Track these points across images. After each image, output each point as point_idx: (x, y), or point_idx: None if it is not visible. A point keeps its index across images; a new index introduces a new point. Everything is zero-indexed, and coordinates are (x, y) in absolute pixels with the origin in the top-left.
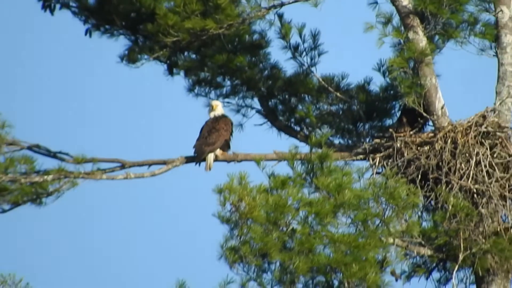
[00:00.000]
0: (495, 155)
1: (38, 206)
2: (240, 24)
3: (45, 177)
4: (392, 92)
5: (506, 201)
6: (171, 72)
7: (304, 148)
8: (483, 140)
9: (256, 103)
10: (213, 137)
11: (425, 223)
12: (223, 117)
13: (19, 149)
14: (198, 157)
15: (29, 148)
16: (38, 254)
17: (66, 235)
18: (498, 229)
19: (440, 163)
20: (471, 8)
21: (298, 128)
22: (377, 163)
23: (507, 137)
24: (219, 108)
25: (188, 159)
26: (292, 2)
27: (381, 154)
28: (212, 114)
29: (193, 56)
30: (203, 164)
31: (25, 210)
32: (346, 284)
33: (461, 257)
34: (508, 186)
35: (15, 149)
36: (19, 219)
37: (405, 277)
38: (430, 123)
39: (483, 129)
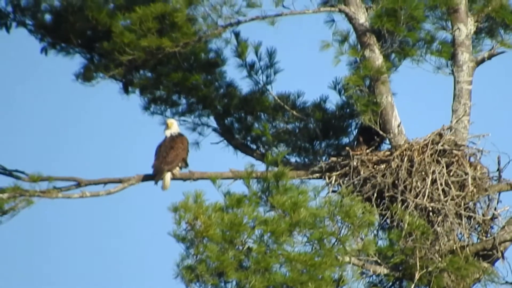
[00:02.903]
0: (451, 174)
1: None
2: (196, 42)
3: (1, 195)
4: (348, 110)
5: (461, 220)
6: (126, 91)
7: (260, 167)
8: (439, 158)
9: (212, 121)
10: (171, 156)
11: (381, 241)
12: (180, 135)
13: None
14: (157, 177)
15: None
16: None
17: (21, 254)
18: (454, 248)
19: (396, 181)
20: (428, 26)
21: (254, 147)
22: (333, 182)
23: (464, 155)
24: (175, 126)
25: (146, 178)
26: (249, 21)
27: (337, 172)
28: (168, 133)
29: (149, 74)
30: (159, 182)
31: None
32: None
33: (417, 276)
34: (464, 204)
35: None
36: None
37: None
38: (387, 141)
39: (439, 147)
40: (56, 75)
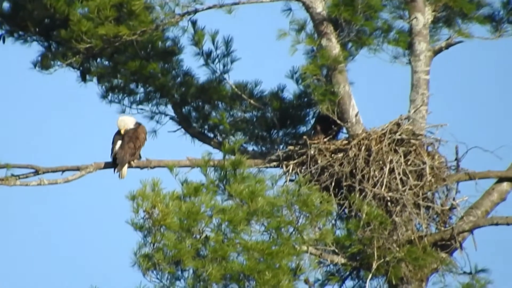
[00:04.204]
0: (409, 163)
1: None
2: (153, 31)
3: None
4: (306, 99)
5: (420, 210)
6: (84, 79)
7: (217, 155)
8: (397, 148)
9: (169, 110)
10: (136, 146)
11: (339, 231)
12: (140, 125)
13: None
14: (120, 166)
15: None
16: None
17: None
18: (412, 238)
19: (354, 171)
20: (386, 15)
21: (211, 135)
22: (290, 170)
23: (421, 144)
24: (129, 122)
25: (105, 166)
26: (206, 9)
27: (295, 161)
28: (123, 131)
29: (106, 62)
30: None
31: None
32: None
33: (374, 265)
34: (422, 194)
35: None
36: None
37: (319, 285)
38: (344, 130)
39: (397, 136)
40: (13, 63)
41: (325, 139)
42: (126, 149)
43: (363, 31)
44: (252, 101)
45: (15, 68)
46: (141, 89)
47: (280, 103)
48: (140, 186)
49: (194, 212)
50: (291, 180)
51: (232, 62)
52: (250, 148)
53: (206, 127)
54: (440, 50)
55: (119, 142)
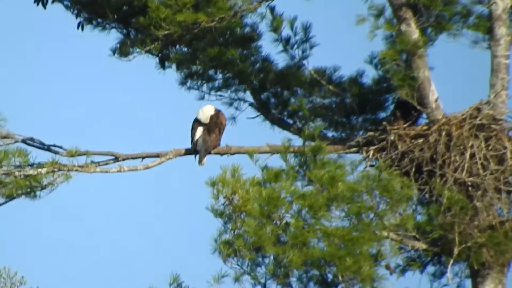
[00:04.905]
0: (489, 148)
1: (32, 199)
2: (231, 17)
3: (39, 170)
4: (385, 84)
5: (501, 194)
6: (162, 65)
7: (297, 141)
8: (477, 133)
9: (248, 96)
10: (221, 133)
11: (420, 216)
12: (219, 111)
13: (13, 142)
14: (205, 152)
15: (23, 141)
16: (33, 247)
17: (60, 229)
18: (493, 223)
19: (434, 156)
20: (465, 0)
21: (291, 121)
22: (370, 156)
23: (502, 129)
24: (209, 112)
25: (186, 153)
26: None
27: (375, 147)
28: (209, 117)
29: (185, 49)
30: (196, 157)
31: (20, 204)
32: (340, 278)
33: (456, 251)
34: (503, 179)
35: (9, 142)
36: (13, 213)
37: (400, 271)
38: (424, 116)
39: (477, 121)
40: (92, 50)
41: (405, 125)
42: (212, 135)
43: (442, 16)
44: (331, 87)
45: (94, 55)
46: (220, 76)
47: (359, 88)
48: (220, 172)
49: (274, 198)
50: (371, 166)
51: (311, 48)
52: (329, 134)
53: (285, 113)
54: None
55: (199, 129)
